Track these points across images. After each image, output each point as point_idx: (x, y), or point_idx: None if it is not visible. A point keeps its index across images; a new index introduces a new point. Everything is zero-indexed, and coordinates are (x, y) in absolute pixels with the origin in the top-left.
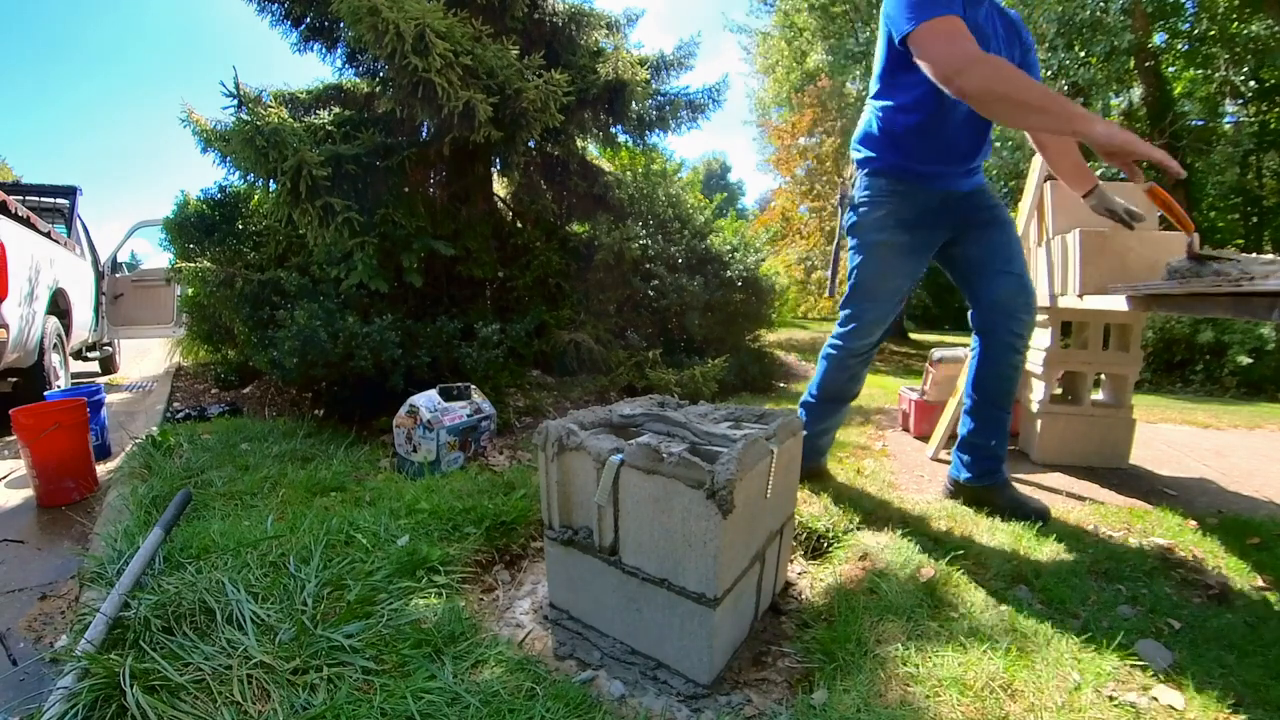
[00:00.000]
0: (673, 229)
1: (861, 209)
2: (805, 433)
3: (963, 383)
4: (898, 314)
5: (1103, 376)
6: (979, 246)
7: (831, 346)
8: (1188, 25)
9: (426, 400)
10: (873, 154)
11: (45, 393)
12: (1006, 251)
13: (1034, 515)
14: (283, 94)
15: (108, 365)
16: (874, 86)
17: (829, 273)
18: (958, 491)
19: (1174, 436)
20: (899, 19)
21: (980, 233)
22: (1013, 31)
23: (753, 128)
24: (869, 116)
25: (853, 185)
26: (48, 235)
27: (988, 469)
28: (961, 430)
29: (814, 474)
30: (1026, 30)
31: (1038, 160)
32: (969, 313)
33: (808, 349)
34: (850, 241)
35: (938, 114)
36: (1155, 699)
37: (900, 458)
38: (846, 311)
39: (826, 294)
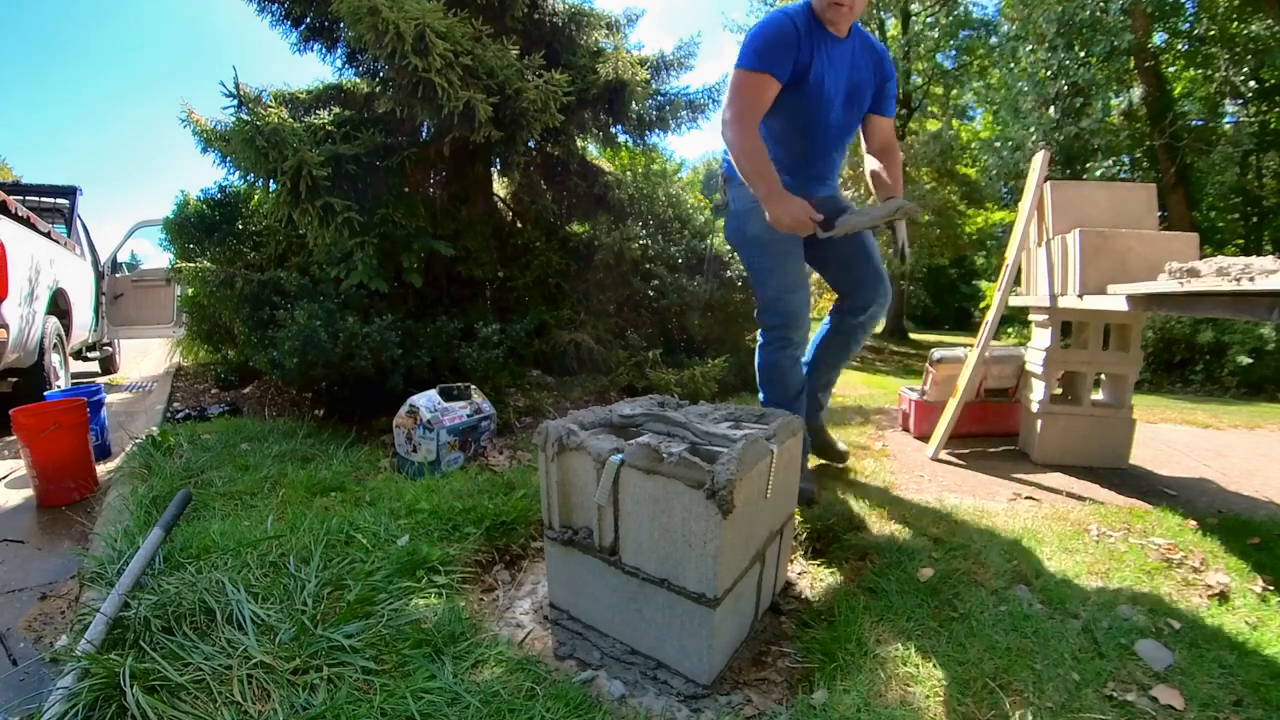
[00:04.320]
0: (673, 229)
1: (737, 216)
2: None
3: (963, 383)
4: (809, 295)
5: (1103, 376)
6: (844, 243)
7: (770, 348)
8: (1188, 25)
9: (426, 400)
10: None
11: (45, 393)
12: (866, 249)
13: (839, 455)
14: (283, 94)
15: (108, 365)
16: None
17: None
18: None
19: (1174, 436)
20: (739, 54)
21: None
22: (874, 63)
23: None
24: None
25: (724, 195)
26: (48, 235)
27: (810, 409)
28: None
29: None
30: (890, 63)
31: (1037, 160)
32: (839, 300)
33: None
34: (741, 250)
35: (799, 139)
36: (1155, 699)
37: (900, 458)
38: (772, 311)
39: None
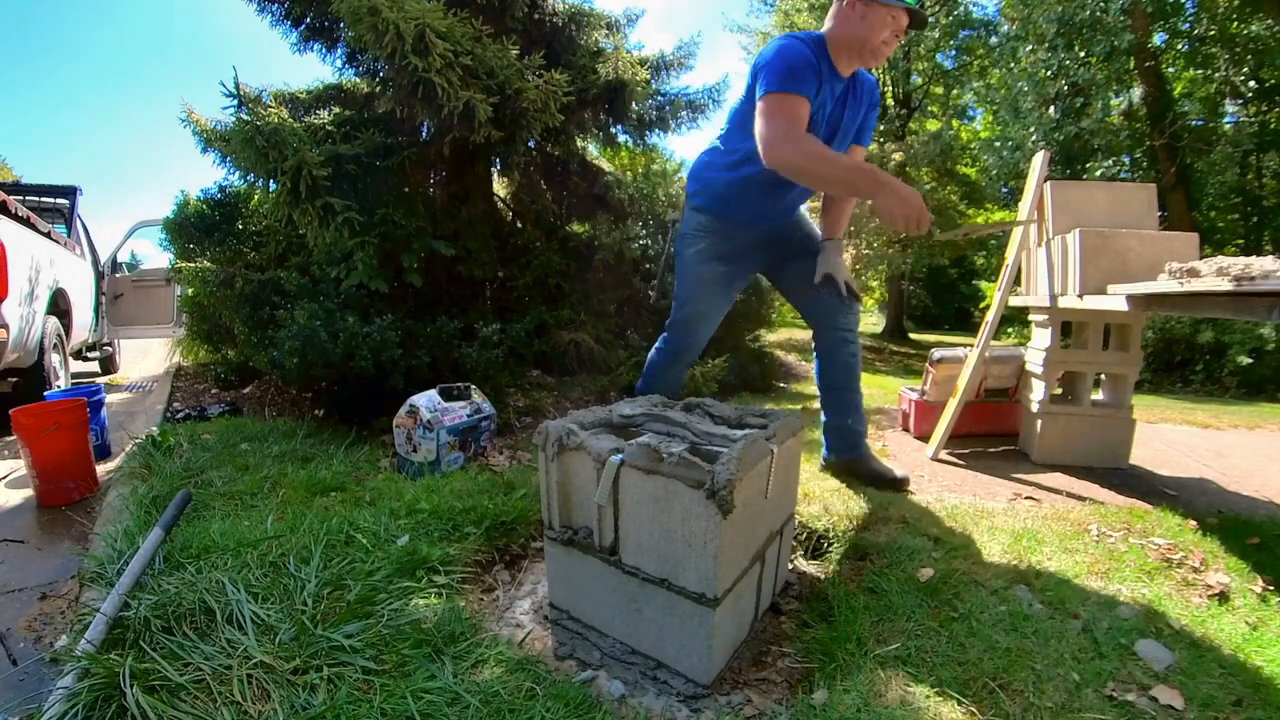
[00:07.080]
0: (673, 229)
1: (683, 238)
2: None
3: (963, 383)
4: (716, 327)
5: (1103, 376)
6: (799, 266)
7: (663, 353)
8: (1188, 25)
9: (426, 400)
10: (700, 189)
11: (45, 393)
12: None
13: (894, 483)
14: (283, 94)
15: (108, 365)
16: (724, 127)
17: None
18: (828, 467)
19: (1174, 436)
20: (764, 79)
21: (799, 257)
22: (865, 99)
23: None
24: (707, 155)
25: (681, 214)
26: (48, 235)
27: (849, 444)
28: (822, 419)
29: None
30: (877, 93)
31: (1037, 160)
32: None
33: (807, 349)
34: (678, 268)
35: (766, 171)
36: (1155, 699)
37: (900, 458)
38: (680, 330)
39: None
